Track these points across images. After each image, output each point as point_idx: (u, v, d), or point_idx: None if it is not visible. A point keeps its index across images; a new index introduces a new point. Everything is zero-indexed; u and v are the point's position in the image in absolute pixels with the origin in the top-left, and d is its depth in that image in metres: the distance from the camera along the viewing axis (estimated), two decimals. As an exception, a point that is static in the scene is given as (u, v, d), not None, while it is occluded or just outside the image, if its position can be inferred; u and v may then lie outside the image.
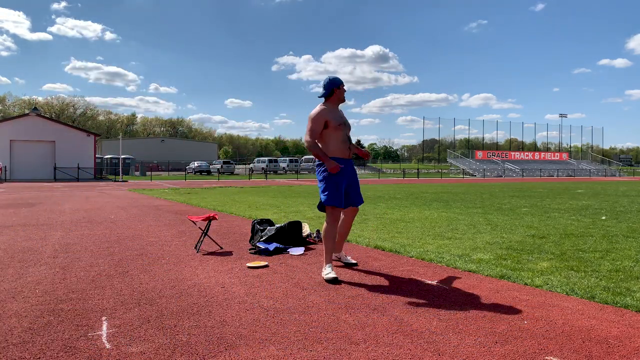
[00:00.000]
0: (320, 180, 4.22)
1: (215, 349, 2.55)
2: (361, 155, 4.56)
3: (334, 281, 3.94)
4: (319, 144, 4.21)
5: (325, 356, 2.46)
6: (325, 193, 4.15)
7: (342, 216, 4.41)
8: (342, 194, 4.17)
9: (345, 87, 4.32)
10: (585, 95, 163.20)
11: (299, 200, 13.01)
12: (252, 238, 5.80)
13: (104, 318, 3.03)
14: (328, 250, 4.18)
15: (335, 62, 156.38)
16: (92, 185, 23.69)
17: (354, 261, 4.61)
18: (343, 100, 4.34)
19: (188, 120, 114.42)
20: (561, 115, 71.45)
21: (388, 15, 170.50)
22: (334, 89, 4.25)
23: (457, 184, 26.39)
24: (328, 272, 4.04)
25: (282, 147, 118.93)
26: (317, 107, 4.23)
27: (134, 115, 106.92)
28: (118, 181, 30.40)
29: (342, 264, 4.59)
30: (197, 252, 5.34)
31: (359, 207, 4.51)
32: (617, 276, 4.10)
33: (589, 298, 3.47)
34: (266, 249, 5.21)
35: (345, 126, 4.29)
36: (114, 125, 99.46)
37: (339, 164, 4.12)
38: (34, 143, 33.21)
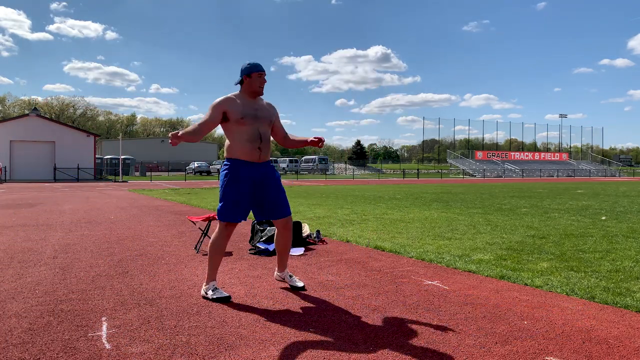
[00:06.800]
0: (220, 186, 3.53)
1: (215, 349, 2.55)
2: (312, 144, 3.68)
3: (224, 300, 3.40)
4: (227, 142, 3.56)
5: (325, 356, 2.46)
6: (220, 203, 3.48)
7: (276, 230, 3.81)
8: (242, 207, 3.49)
9: (262, 77, 3.55)
10: (586, 95, 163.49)
11: (299, 201, 13.01)
12: (252, 238, 5.80)
13: (104, 318, 3.03)
14: (214, 265, 3.52)
15: (336, 62, 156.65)
16: (92, 186, 23.69)
17: (300, 284, 3.79)
18: (257, 93, 3.57)
19: (188, 120, 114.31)
20: (561, 116, 71.54)
21: (390, 15, 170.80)
22: (242, 77, 3.55)
23: (457, 185, 26.38)
24: (211, 293, 3.45)
25: (282, 148, 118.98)
26: (226, 95, 3.57)
27: (133, 115, 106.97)
28: (118, 181, 30.39)
29: (288, 284, 3.86)
30: (197, 252, 5.34)
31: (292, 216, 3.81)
32: (617, 276, 4.10)
33: (589, 298, 3.47)
34: (266, 249, 5.21)
35: (258, 120, 3.51)
36: (113, 125, 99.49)
37: (175, 136, 3.23)
38: (33, 143, 33.21)
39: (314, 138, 3.66)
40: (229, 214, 3.46)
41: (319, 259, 4.93)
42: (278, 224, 3.70)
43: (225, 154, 3.60)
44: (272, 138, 3.73)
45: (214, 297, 3.43)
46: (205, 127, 3.42)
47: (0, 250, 5.42)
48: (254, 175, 3.52)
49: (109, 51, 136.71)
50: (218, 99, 3.51)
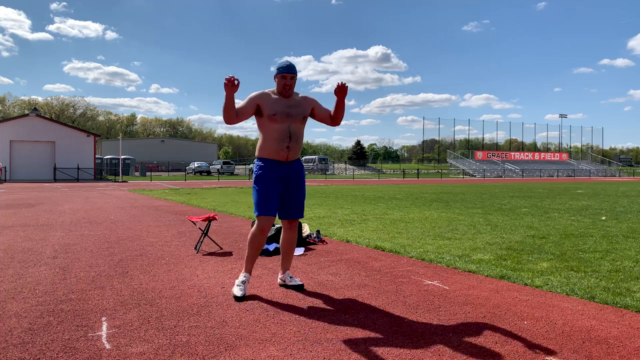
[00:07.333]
0: (253, 184, 3.65)
1: (215, 349, 2.55)
2: (339, 95, 3.53)
3: (239, 299, 3.44)
4: (259, 140, 3.63)
5: (325, 356, 2.46)
6: (254, 200, 3.60)
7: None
8: (274, 201, 3.56)
9: (285, 79, 3.52)
10: (586, 95, 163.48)
11: (299, 201, 12.99)
12: (252, 238, 5.80)
13: (104, 318, 3.03)
14: (248, 257, 3.65)
15: (336, 62, 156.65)
16: (92, 186, 23.69)
17: (299, 282, 3.81)
18: (283, 95, 3.56)
19: (188, 120, 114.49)
20: (561, 116, 71.56)
21: (390, 15, 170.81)
22: (275, 76, 3.59)
23: (457, 185, 26.39)
24: (238, 283, 3.59)
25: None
26: (262, 90, 3.63)
27: (133, 115, 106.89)
28: (118, 182, 30.40)
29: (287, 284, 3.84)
30: (197, 252, 5.34)
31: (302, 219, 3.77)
32: (617, 276, 4.10)
33: (589, 298, 3.47)
34: (266, 249, 5.21)
35: (290, 118, 3.53)
36: (113, 125, 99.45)
37: (230, 80, 3.28)
38: (34, 143, 33.21)
39: (336, 89, 3.52)
40: (262, 208, 3.54)
41: (319, 259, 4.94)
42: (285, 223, 3.75)
43: (256, 153, 3.67)
44: (323, 123, 3.75)
45: (234, 291, 3.54)
46: (240, 112, 3.48)
47: (0, 250, 5.42)
48: (281, 174, 3.60)
49: (109, 51, 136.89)
50: (253, 93, 3.59)
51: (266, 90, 3.62)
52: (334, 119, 3.71)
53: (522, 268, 4.43)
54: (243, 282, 3.60)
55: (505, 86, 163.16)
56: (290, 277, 3.87)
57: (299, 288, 3.76)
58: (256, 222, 3.63)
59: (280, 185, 3.62)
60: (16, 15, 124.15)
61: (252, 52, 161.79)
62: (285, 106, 3.54)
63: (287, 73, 3.53)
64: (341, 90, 3.53)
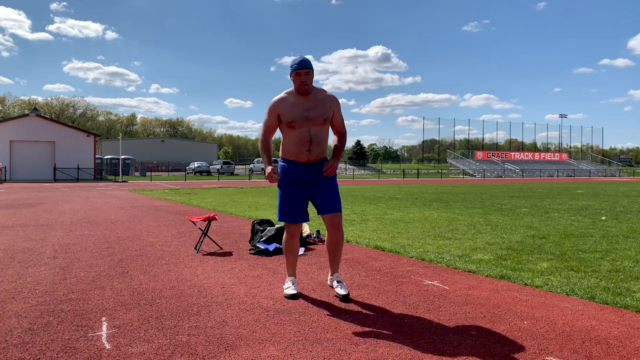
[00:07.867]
0: (277, 186, 3.62)
1: (215, 349, 2.55)
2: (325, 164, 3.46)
3: (292, 297, 3.49)
4: (282, 140, 3.57)
5: (325, 356, 2.46)
6: (278, 204, 3.57)
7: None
8: (297, 206, 3.50)
9: (300, 76, 3.36)
10: (586, 95, 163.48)
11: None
12: (252, 238, 5.80)
13: (104, 318, 3.03)
14: (288, 263, 3.67)
15: (336, 62, 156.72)
16: (92, 186, 23.69)
17: (343, 292, 3.49)
18: (301, 92, 3.41)
19: (188, 120, 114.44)
20: (561, 116, 71.58)
21: (390, 15, 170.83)
22: (290, 75, 3.45)
23: (457, 185, 26.39)
24: (287, 286, 3.60)
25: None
26: (280, 95, 3.50)
27: (133, 115, 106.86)
28: (118, 182, 30.40)
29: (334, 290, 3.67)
30: (197, 252, 5.34)
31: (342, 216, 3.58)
32: (617, 276, 4.10)
33: (589, 298, 3.47)
34: (266, 249, 5.21)
35: (309, 122, 3.40)
36: (113, 125, 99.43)
37: (273, 175, 3.35)
38: (34, 143, 33.21)
39: (326, 166, 3.44)
40: (284, 215, 3.53)
41: (319, 259, 4.94)
42: (326, 221, 3.55)
43: (280, 153, 3.63)
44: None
45: (286, 292, 3.55)
46: (270, 130, 3.52)
47: (0, 250, 5.42)
48: (304, 175, 3.50)
49: (109, 51, 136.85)
50: (272, 101, 3.48)
51: (283, 94, 3.48)
52: (335, 139, 3.67)
53: (522, 268, 4.43)
54: (292, 283, 3.63)
55: (505, 86, 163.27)
56: (338, 282, 3.62)
57: (343, 298, 3.48)
58: (285, 228, 3.62)
59: (304, 188, 3.51)
60: (16, 15, 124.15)
61: (252, 52, 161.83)
62: (304, 109, 3.39)
63: (301, 69, 3.35)
64: (326, 169, 3.45)
